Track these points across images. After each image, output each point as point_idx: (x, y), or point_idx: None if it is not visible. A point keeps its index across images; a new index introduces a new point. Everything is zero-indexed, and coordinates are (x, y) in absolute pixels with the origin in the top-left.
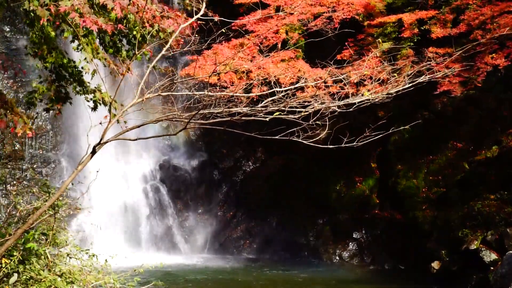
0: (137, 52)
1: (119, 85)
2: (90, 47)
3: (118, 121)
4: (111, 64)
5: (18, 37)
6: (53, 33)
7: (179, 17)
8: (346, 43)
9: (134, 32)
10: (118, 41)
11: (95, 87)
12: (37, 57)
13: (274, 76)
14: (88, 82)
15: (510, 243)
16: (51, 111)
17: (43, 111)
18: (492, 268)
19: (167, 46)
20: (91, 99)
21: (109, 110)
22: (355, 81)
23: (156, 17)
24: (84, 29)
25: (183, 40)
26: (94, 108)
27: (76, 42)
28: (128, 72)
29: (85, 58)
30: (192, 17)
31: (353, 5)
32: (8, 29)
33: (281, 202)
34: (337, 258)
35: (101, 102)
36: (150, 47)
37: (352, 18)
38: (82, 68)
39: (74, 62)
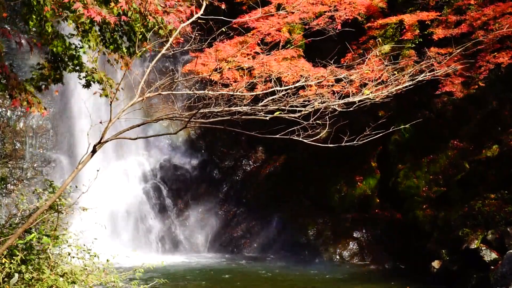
0: (137, 50)
1: (121, 80)
2: (94, 37)
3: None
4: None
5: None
6: (50, 29)
7: (181, 12)
8: (348, 45)
9: (136, 29)
10: (119, 38)
11: (92, 67)
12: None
13: (278, 73)
14: (84, 63)
15: (511, 243)
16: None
17: (36, 91)
18: (492, 267)
19: (168, 45)
20: (84, 77)
21: (110, 110)
22: (358, 83)
23: (158, 11)
24: (88, 21)
25: (183, 39)
26: (87, 86)
27: (77, 34)
28: (126, 68)
29: (89, 46)
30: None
31: (355, 4)
32: (8, 28)
33: (282, 201)
34: (338, 257)
35: (94, 81)
36: (150, 47)
37: (354, 18)
38: (84, 53)
39: (75, 47)
